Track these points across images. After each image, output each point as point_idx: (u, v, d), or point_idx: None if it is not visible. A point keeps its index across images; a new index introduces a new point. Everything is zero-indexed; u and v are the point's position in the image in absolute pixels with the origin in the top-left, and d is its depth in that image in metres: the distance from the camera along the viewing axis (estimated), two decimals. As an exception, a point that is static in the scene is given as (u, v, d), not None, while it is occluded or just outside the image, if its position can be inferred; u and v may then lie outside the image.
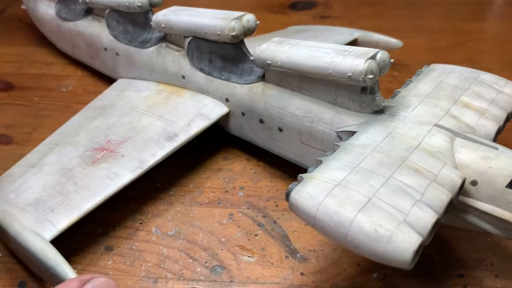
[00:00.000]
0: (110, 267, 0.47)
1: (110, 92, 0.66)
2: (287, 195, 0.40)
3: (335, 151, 0.44)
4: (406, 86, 0.55)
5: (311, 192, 0.39)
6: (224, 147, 0.64)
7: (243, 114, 0.57)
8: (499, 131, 0.49)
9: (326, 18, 1.07)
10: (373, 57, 0.46)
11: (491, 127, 0.48)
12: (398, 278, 0.47)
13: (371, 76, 0.45)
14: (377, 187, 0.39)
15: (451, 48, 0.94)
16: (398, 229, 0.35)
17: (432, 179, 0.40)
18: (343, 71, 0.46)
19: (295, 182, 0.41)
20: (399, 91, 0.53)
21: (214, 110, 0.58)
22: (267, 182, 0.58)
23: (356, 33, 0.82)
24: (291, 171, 0.58)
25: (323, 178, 0.40)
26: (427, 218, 0.37)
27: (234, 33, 0.54)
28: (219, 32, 0.55)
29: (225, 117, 0.59)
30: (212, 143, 0.64)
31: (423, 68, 0.59)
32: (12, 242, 0.45)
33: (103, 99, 0.64)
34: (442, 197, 0.39)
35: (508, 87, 0.54)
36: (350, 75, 0.46)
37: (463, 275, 0.47)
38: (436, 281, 0.47)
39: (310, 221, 0.38)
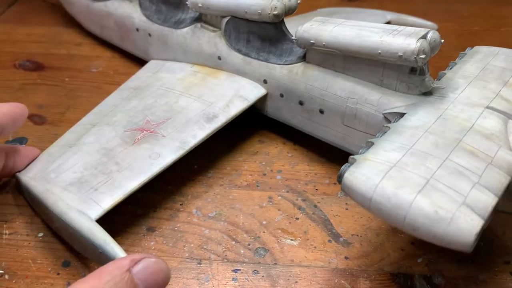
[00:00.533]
0: (153, 248, 0.47)
1: (143, 73, 0.65)
2: (340, 177, 0.39)
3: (385, 132, 0.43)
4: (450, 68, 0.53)
5: (366, 173, 0.38)
6: (259, 130, 0.63)
7: (281, 95, 0.56)
8: (552, 115, 0.47)
9: (354, 1, 1.05)
10: (424, 37, 0.45)
11: (544, 110, 0.47)
12: (443, 264, 0.46)
13: (423, 56, 0.44)
14: (434, 169, 0.38)
15: (483, 33, 0.92)
16: (459, 211, 0.34)
17: (489, 162, 0.39)
18: (393, 51, 0.45)
19: (347, 164, 0.40)
20: (444, 73, 0.52)
21: (252, 92, 0.57)
22: (305, 166, 0.58)
23: (388, 16, 0.81)
24: (329, 155, 0.57)
25: (377, 159, 0.39)
26: (487, 200, 0.36)
27: (276, 12, 0.53)
28: (260, 11, 0.54)
29: (263, 99, 0.58)
30: (247, 126, 0.63)
31: (466, 50, 0.57)
32: (56, 221, 0.45)
33: (137, 80, 0.63)
34: (501, 180, 0.38)
35: (557, 70, 0.53)
36: (401, 55, 0.45)
37: (509, 262, 0.47)
38: (482, 268, 0.46)
39: (366, 203, 0.38)
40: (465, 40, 0.89)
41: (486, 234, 0.49)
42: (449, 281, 0.45)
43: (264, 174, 0.56)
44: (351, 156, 0.40)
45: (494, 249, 0.48)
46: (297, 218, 0.51)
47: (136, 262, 0.34)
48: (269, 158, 0.59)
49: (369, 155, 0.40)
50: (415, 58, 0.44)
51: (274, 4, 0.53)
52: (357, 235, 0.49)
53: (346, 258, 0.47)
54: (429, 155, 0.39)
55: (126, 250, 0.46)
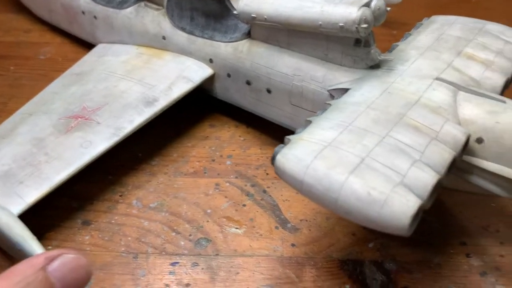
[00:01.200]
0: (87, 242, 0.44)
1: (88, 58, 0.61)
2: (273, 159, 0.36)
3: (326, 110, 0.40)
4: (405, 40, 0.50)
5: (298, 154, 0.35)
6: (211, 114, 0.60)
7: (228, 75, 0.53)
8: (507, 84, 0.44)
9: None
10: (367, 5, 0.42)
11: (498, 80, 0.43)
12: (395, 248, 0.44)
13: (365, 26, 0.41)
14: (372, 146, 0.35)
15: (454, 5, 0.89)
16: (394, 191, 0.31)
17: (433, 137, 0.36)
18: (334, 21, 0.42)
19: (281, 145, 0.37)
20: (397, 45, 0.49)
21: (197, 72, 0.53)
22: (257, 150, 0.55)
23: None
24: (283, 136, 0.54)
25: (312, 139, 0.36)
26: (427, 178, 0.33)
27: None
28: (201, -14, 0.50)
29: (210, 80, 0.54)
30: (198, 110, 0.60)
31: (423, 20, 0.54)
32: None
33: (81, 66, 0.60)
34: (444, 156, 0.35)
35: (516, 37, 0.50)
36: (342, 25, 0.41)
37: (465, 243, 0.44)
38: (437, 250, 0.44)
39: (298, 186, 0.35)
40: (434, 13, 0.84)
41: (442, 214, 0.47)
42: (401, 266, 0.42)
43: (213, 160, 0.53)
44: (286, 137, 0.37)
45: (450, 230, 0.46)
46: (244, 205, 0.48)
47: (52, 259, 0.32)
48: (220, 142, 0.55)
49: (304, 134, 0.37)
50: (356, 28, 0.41)
51: (213, -23, 0.50)
52: (306, 220, 0.46)
53: (293, 245, 0.44)
54: (368, 132, 0.36)
55: (58, 246, 0.44)
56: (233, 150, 0.54)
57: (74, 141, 0.46)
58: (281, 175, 0.36)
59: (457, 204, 0.47)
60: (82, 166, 0.44)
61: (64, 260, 0.31)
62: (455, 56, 0.45)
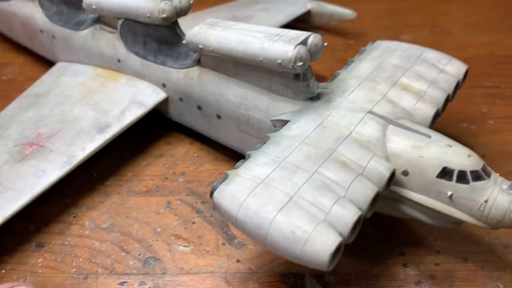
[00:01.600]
0: (40, 264, 0.46)
1: (47, 78, 0.63)
2: (211, 194, 0.39)
3: (265, 143, 0.42)
4: (347, 67, 0.53)
5: (233, 191, 0.37)
6: (168, 132, 0.62)
7: (181, 100, 0.55)
8: (437, 114, 0.47)
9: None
10: (304, 42, 0.44)
11: (428, 111, 0.46)
12: None
13: (300, 64, 0.43)
14: (301, 184, 0.37)
15: (412, 11, 0.92)
16: (316, 230, 0.34)
17: (359, 173, 0.39)
18: (273, 58, 0.44)
19: (220, 179, 0.39)
20: (339, 73, 0.51)
21: (150, 96, 0.55)
22: (210, 166, 0.57)
23: (309, 4, 0.79)
24: (236, 153, 0.56)
25: (247, 175, 0.38)
26: (348, 216, 0.36)
27: (164, 15, 0.51)
28: (149, 14, 0.52)
29: (165, 103, 0.57)
30: (156, 128, 0.62)
31: (368, 45, 0.57)
32: None
33: (40, 86, 0.61)
34: (367, 192, 0.38)
35: (451, 65, 0.53)
36: (280, 62, 0.44)
37: (403, 253, 0.47)
38: (375, 261, 0.46)
39: (232, 221, 0.37)
40: (392, 20, 0.88)
41: (384, 226, 0.50)
42: (340, 278, 0.45)
43: (166, 178, 0.55)
44: (226, 171, 0.40)
45: (391, 240, 0.48)
46: (193, 223, 0.50)
47: None
48: (174, 160, 0.58)
49: (241, 170, 0.39)
50: (292, 65, 0.43)
51: (162, 7, 0.51)
52: (252, 236, 0.49)
53: (238, 261, 0.46)
54: (299, 169, 0.38)
55: (12, 269, 0.46)
56: (186, 167, 0.57)
57: (27, 170, 0.48)
58: (218, 210, 0.38)
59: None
60: (34, 197, 0.46)
61: None
62: (390, 87, 0.48)
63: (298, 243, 0.34)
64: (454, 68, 0.52)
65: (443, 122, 0.65)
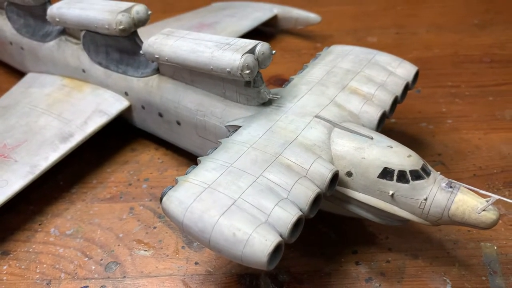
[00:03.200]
0: (5, 272, 0.48)
1: (17, 89, 0.64)
2: (160, 200, 0.40)
3: (215, 148, 0.44)
4: (301, 72, 0.54)
5: (180, 197, 0.39)
6: (134, 138, 0.63)
7: (143, 107, 0.57)
8: (384, 116, 0.49)
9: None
10: (251, 51, 0.46)
11: (375, 114, 0.48)
12: (291, 260, 0.48)
13: (247, 72, 0.45)
14: (245, 187, 0.39)
15: (379, 13, 0.94)
16: (256, 231, 0.36)
17: (302, 175, 0.41)
18: (222, 67, 0.46)
19: (170, 186, 0.41)
20: (293, 78, 0.53)
21: (113, 105, 0.57)
22: (173, 171, 0.59)
23: (275, 9, 0.81)
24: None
25: (195, 180, 0.40)
26: (288, 217, 0.37)
27: (121, 27, 0.53)
28: (107, 26, 0.54)
29: (128, 111, 0.58)
30: (121, 136, 0.63)
31: (323, 50, 0.59)
32: None
33: (9, 97, 0.63)
34: (308, 194, 0.39)
35: (402, 67, 0.54)
36: (229, 71, 0.45)
37: (356, 251, 0.49)
38: (329, 259, 0.48)
39: (179, 226, 0.39)
40: (359, 23, 0.90)
41: (339, 225, 0.51)
42: (294, 277, 0.47)
43: (130, 184, 0.57)
44: (176, 177, 0.41)
45: (345, 239, 0.50)
46: (154, 227, 0.52)
47: None
48: (139, 166, 0.59)
49: (190, 176, 0.41)
50: (240, 73, 0.45)
51: (119, 19, 0.53)
52: (211, 241, 0.50)
53: (196, 263, 0.48)
54: (244, 173, 0.40)
55: (-22, 278, 0.48)
56: (151, 173, 0.58)
57: (-9, 180, 0.49)
58: (167, 215, 0.40)
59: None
60: (-3, 206, 0.47)
61: None
62: (339, 91, 0.50)
63: (238, 245, 0.36)
64: (404, 70, 0.54)
65: (402, 122, 0.67)
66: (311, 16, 0.80)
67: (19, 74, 0.73)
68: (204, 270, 0.48)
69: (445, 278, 0.46)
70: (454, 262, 0.47)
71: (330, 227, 0.51)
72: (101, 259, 0.49)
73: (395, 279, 0.46)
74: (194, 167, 0.42)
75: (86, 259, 0.49)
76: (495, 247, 0.48)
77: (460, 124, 0.65)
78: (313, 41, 0.83)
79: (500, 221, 0.50)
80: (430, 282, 0.46)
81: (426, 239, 0.50)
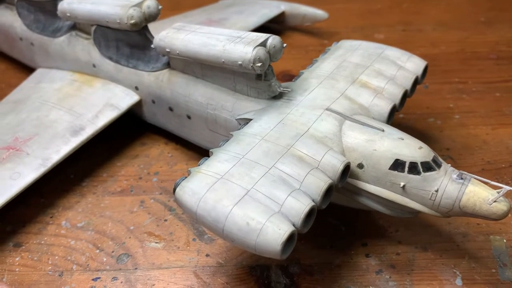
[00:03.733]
0: (17, 263, 0.48)
1: (27, 84, 0.65)
2: (174, 191, 0.41)
3: (227, 141, 0.45)
4: (311, 66, 0.55)
5: (193, 187, 0.39)
6: (143, 133, 0.64)
7: (153, 102, 0.57)
8: (394, 109, 0.49)
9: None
10: (263, 44, 0.46)
11: (385, 107, 0.48)
12: (302, 252, 0.48)
13: (259, 64, 0.45)
14: (258, 178, 0.39)
15: (385, 11, 0.94)
16: (269, 221, 0.36)
17: (314, 166, 0.41)
18: (234, 60, 0.46)
19: (183, 177, 0.41)
20: (303, 72, 0.54)
21: (124, 100, 0.57)
22: (183, 165, 0.59)
23: (283, 6, 0.82)
24: (208, 152, 0.58)
25: (208, 172, 0.40)
26: (301, 207, 0.37)
27: (133, 21, 0.54)
28: (118, 21, 0.54)
29: (138, 105, 0.59)
30: (131, 130, 0.64)
31: (333, 45, 0.59)
32: None
33: (19, 93, 0.63)
34: (320, 184, 0.40)
35: (411, 62, 0.55)
36: (241, 64, 0.46)
37: (366, 244, 0.49)
38: (339, 252, 0.48)
39: (193, 216, 0.39)
40: (366, 20, 0.90)
41: (349, 218, 0.52)
42: (304, 269, 0.47)
43: (140, 178, 0.57)
44: (189, 169, 0.42)
45: (355, 232, 0.50)
46: (165, 220, 0.52)
47: None
48: (149, 160, 0.60)
49: (203, 167, 0.41)
50: (252, 66, 0.45)
51: (131, 13, 0.53)
52: (222, 232, 0.51)
53: (207, 255, 0.48)
54: (257, 164, 0.40)
55: (-10, 269, 0.48)
56: (161, 167, 0.59)
57: (4, 173, 0.49)
58: (180, 206, 0.40)
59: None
60: (10, 198, 0.48)
61: None
62: (349, 84, 0.50)
63: (252, 234, 0.36)
64: (413, 65, 0.54)
65: (410, 117, 0.68)
66: (319, 13, 0.80)
67: (28, 69, 0.73)
68: (215, 262, 0.48)
69: (455, 271, 0.46)
70: (464, 255, 0.47)
71: (340, 220, 0.51)
72: (113, 251, 0.49)
73: (405, 271, 0.46)
74: (207, 159, 0.42)
75: (98, 251, 0.49)
76: (505, 240, 0.49)
77: (467, 120, 0.65)
78: (320, 38, 0.84)
79: (510, 214, 0.51)
80: (440, 275, 0.46)
81: (435, 232, 0.50)
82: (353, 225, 0.51)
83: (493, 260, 0.47)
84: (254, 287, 0.46)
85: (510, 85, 0.72)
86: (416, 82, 0.54)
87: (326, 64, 0.54)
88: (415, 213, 0.45)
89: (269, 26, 0.85)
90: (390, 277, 0.46)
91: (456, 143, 0.61)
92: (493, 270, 0.46)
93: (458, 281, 0.45)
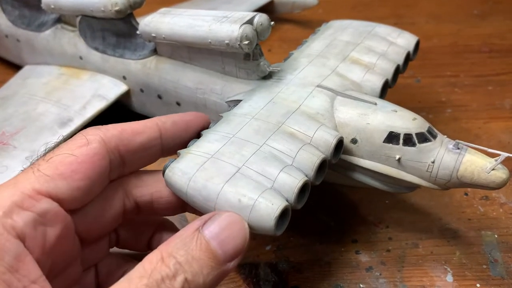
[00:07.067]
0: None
1: (14, 81, 0.64)
2: (163, 173, 0.40)
3: (217, 122, 0.43)
4: (301, 47, 0.54)
5: (183, 168, 0.38)
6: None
7: (142, 90, 0.56)
8: (387, 84, 0.48)
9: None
10: (250, 22, 0.45)
11: (377, 82, 0.47)
12: (291, 249, 0.47)
13: (246, 42, 0.44)
14: (249, 155, 0.38)
15: (377, 3, 0.93)
16: (261, 196, 0.35)
17: (306, 142, 0.40)
18: (220, 39, 0.45)
19: (172, 159, 0.40)
20: (293, 53, 0.53)
21: (112, 90, 0.56)
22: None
23: (271, -6, 0.81)
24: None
25: (198, 152, 0.39)
26: (294, 182, 0.36)
27: (117, 8, 0.52)
28: (103, 9, 0.53)
29: (127, 95, 0.58)
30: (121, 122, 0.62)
31: (322, 25, 0.58)
32: None
33: (7, 89, 0.62)
34: (313, 159, 0.38)
35: (402, 37, 0.54)
36: (228, 43, 0.45)
37: (356, 240, 0.48)
38: (329, 249, 0.47)
39: (183, 197, 0.38)
40: (358, 13, 0.90)
41: (339, 214, 0.51)
42: (293, 266, 0.46)
43: (133, 171, 0.56)
44: (178, 151, 0.41)
45: (344, 228, 0.49)
46: (155, 217, 0.51)
47: (206, 220, 0.33)
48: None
49: (192, 148, 0.40)
50: (239, 44, 0.44)
51: (115, 0, 0.52)
52: (211, 229, 0.49)
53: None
54: (247, 142, 0.39)
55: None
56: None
57: (-9, 166, 0.49)
58: (170, 187, 0.39)
59: (354, 203, 0.51)
60: (-3, 191, 0.47)
61: (217, 219, 0.34)
62: (340, 61, 0.49)
63: (244, 211, 0.35)
64: (404, 40, 0.53)
65: None
66: (308, 0, 0.79)
67: (16, 67, 0.72)
68: None
69: (445, 267, 0.45)
70: (455, 251, 0.46)
71: (330, 216, 0.50)
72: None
73: (395, 268, 0.45)
74: (196, 140, 0.41)
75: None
76: (496, 236, 0.48)
77: (459, 114, 0.65)
78: (312, 30, 0.82)
79: (501, 210, 0.51)
80: (430, 271, 0.45)
81: (426, 228, 0.49)
82: (343, 221, 0.50)
83: (484, 256, 0.46)
84: (242, 285, 0.44)
85: (502, 78, 0.72)
86: (408, 57, 0.53)
87: (316, 44, 0.53)
88: (413, 187, 0.44)
89: (259, 16, 0.83)
90: (380, 274, 0.45)
91: (448, 138, 0.60)
92: (484, 266, 0.45)
93: (449, 278, 0.44)
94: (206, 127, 0.42)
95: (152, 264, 0.30)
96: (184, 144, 0.41)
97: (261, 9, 0.80)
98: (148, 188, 0.39)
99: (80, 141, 0.34)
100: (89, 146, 0.34)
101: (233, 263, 0.33)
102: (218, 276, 0.32)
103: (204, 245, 0.32)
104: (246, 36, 0.44)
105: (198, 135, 0.42)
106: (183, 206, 0.40)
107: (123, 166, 0.37)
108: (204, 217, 0.34)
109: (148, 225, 0.42)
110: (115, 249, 0.41)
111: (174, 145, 0.40)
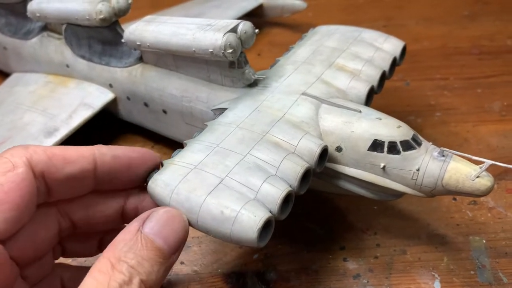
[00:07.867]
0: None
1: (1, 89, 0.63)
2: (146, 184, 0.39)
3: (202, 131, 0.43)
4: (287, 53, 0.54)
5: (166, 179, 0.38)
6: (123, 134, 0.62)
7: (128, 98, 0.56)
8: (372, 91, 0.48)
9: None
10: (233, 30, 0.45)
11: (362, 89, 0.47)
12: (278, 258, 0.47)
13: (230, 51, 0.44)
14: (232, 166, 0.38)
15: (367, 5, 0.93)
16: (244, 208, 0.35)
17: (291, 151, 0.40)
18: (204, 48, 0.45)
19: (156, 170, 0.40)
20: (279, 60, 0.52)
21: (98, 98, 0.56)
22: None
23: (260, -2, 0.81)
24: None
25: (181, 162, 0.39)
26: (277, 192, 0.36)
27: (102, 16, 0.52)
28: (87, 17, 0.53)
29: (114, 103, 0.57)
30: (109, 130, 0.62)
31: (309, 31, 0.58)
32: None
33: (-7, 97, 0.62)
34: (297, 169, 0.38)
35: (388, 42, 0.54)
36: (212, 51, 0.45)
37: (344, 248, 0.48)
38: (316, 256, 0.47)
39: (167, 209, 0.38)
40: (348, 15, 0.90)
41: (327, 221, 0.50)
42: (281, 275, 0.45)
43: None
44: (162, 161, 0.40)
45: (332, 236, 0.49)
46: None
47: (144, 219, 0.33)
48: (127, 161, 0.58)
49: (176, 158, 0.40)
50: (223, 53, 0.44)
51: (99, 8, 0.52)
52: (197, 237, 0.49)
53: (182, 263, 0.47)
54: (231, 152, 0.39)
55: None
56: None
57: (-25, 177, 0.48)
58: (153, 199, 0.39)
59: (340, 210, 0.51)
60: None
61: (156, 216, 0.34)
62: (326, 68, 0.49)
63: (227, 223, 0.35)
64: (391, 46, 0.53)
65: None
66: (297, 3, 0.79)
67: (3, 75, 0.72)
68: (190, 270, 0.46)
69: (433, 273, 0.45)
70: (443, 257, 0.46)
71: (318, 224, 0.50)
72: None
73: (383, 275, 0.45)
74: (180, 150, 0.41)
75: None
76: (484, 241, 0.48)
77: (448, 117, 0.64)
78: (302, 34, 0.83)
79: (489, 214, 0.50)
80: (418, 278, 0.45)
81: (414, 234, 0.49)
82: (331, 228, 0.50)
83: (472, 262, 0.46)
84: (229, 295, 0.44)
85: (491, 81, 0.71)
86: (395, 63, 0.52)
87: (302, 50, 0.53)
88: (399, 195, 0.43)
89: (247, 20, 0.83)
90: (368, 282, 0.45)
91: (437, 142, 0.58)
92: (472, 272, 0.45)
93: (437, 284, 0.44)
94: (153, 168, 0.39)
95: (104, 273, 0.30)
96: (124, 183, 0.38)
97: (250, 13, 0.80)
98: (82, 204, 0.37)
99: (5, 166, 0.31)
100: (15, 171, 0.31)
101: (177, 254, 0.34)
102: (166, 270, 0.33)
103: (150, 243, 0.32)
104: (230, 44, 0.44)
105: (146, 176, 0.39)
106: (122, 219, 0.39)
107: (48, 194, 0.34)
108: (142, 216, 0.34)
109: (94, 232, 0.40)
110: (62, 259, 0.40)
111: (110, 181, 0.37)
